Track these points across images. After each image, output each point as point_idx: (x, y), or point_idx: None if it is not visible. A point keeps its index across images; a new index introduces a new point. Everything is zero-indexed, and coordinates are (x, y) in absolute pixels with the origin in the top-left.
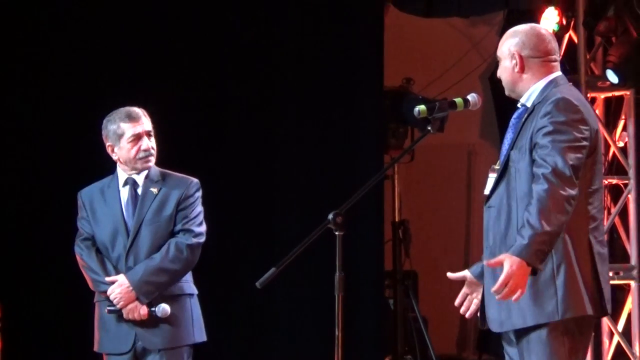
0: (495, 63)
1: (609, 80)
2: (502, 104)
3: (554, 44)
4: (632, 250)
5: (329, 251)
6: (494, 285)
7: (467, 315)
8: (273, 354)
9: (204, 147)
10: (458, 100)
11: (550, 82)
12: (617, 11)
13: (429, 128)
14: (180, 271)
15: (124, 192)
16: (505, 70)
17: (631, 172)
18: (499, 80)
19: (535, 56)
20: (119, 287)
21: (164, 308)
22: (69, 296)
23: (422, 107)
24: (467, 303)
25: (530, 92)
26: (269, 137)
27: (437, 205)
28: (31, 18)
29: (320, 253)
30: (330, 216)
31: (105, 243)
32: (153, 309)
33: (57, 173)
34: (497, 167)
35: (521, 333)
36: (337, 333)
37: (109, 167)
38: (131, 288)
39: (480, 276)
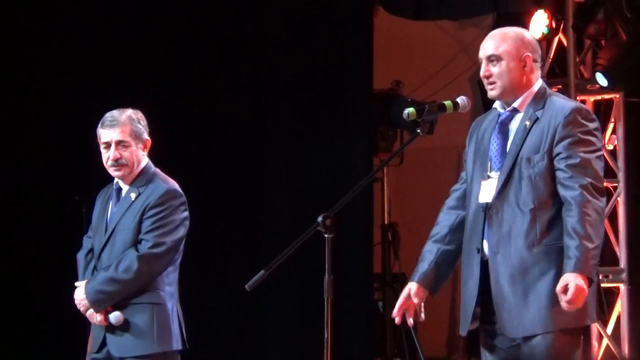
0: None
1: (598, 83)
2: (491, 107)
3: None
4: (621, 253)
5: (319, 254)
6: (506, 287)
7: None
8: (262, 356)
9: (195, 148)
10: (447, 103)
11: (541, 89)
12: (607, 14)
13: (419, 131)
14: (134, 281)
15: (114, 197)
16: (512, 72)
17: (620, 175)
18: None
19: (538, 60)
20: (77, 293)
21: (116, 316)
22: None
23: (412, 109)
24: (399, 319)
25: (522, 98)
26: (259, 139)
27: (426, 207)
28: (24, 19)
29: (309, 255)
30: (320, 219)
31: (94, 244)
32: (108, 316)
33: (49, 176)
34: (491, 173)
35: (529, 337)
36: (326, 335)
37: (101, 171)
38: (85, 296)
39: (430, 283)
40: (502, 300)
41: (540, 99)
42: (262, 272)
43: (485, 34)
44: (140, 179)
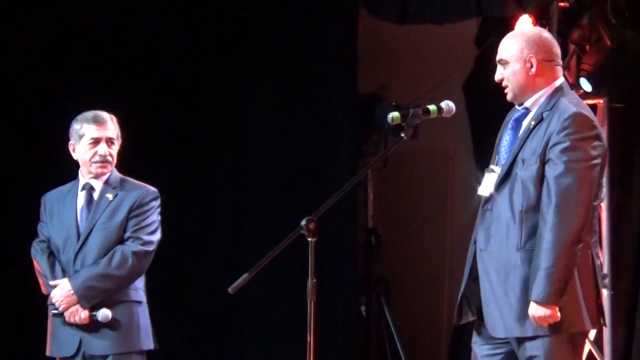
0: (469, 70)
1: (582, 89)
2: (476, 111)
3: (559, 48)
4: (604, 259)
5: (302, 257)
6: (490, 285)
7: None
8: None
9: (177, 149)
10: (432, 107)
11: (557, 89)
12: (591, 19)
13: (403, 135)
14: (125, 278)
15: (81, 197)
16: (517, 74)
17: (604, 181)
18: (494, 85)
19: (548, 60)
20: (60, 290)
21: (104, 313)
22: (23, 300)
23: (396, 114)
24: None
25: (536, 97)
26: (242, 142)
27: (410, 212)
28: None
29: (292, 259)
30: (303, 222)
31: (58, 246)
32: (94, 313)
33: (16, 177)
34: (495, 167)
35: (524, 339)
36: (309, 339)
37: (72, 171)
38: (72, 292)
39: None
40: (486, 297)
41: (551, 99)
42: (245, 275)
43: (470, 39)
44: (113, 180)
